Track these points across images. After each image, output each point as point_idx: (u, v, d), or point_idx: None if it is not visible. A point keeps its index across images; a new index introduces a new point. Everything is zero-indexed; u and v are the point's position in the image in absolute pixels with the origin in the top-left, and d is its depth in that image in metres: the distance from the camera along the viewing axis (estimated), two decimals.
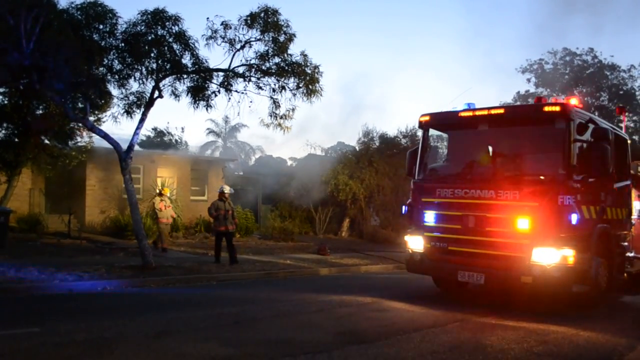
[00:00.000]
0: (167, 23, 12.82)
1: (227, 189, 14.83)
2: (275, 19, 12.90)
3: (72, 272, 11.45)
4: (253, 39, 13.13)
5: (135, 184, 18.57)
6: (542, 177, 8.81)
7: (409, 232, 10.36)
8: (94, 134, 15.20)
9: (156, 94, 13.21)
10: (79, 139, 19.08)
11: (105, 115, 16.54)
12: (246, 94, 13.66)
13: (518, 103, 30.97)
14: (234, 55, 13.22)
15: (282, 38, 13.02)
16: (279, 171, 31.24)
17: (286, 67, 13.27)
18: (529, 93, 32.37)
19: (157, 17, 12.72)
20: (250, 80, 13.56)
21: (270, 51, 13.17)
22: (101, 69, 13.33)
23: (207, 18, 13.03)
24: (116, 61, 13.18)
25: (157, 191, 18.44)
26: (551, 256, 8.42)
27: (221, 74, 13.63)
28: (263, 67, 13.38)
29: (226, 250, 14.40)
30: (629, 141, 11.04)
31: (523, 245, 8.64)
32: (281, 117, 13.89)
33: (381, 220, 27.14)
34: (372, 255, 18.27)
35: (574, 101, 9.31)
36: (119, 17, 12.85)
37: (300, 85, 13.40)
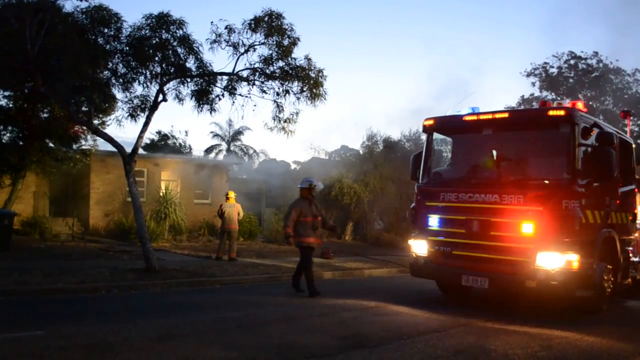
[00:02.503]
0: (172, 27, 12.84)
1: (320, 184, 11.19)
2: (279, 23, 12.92)
3: (76, 275, 11.46)
4: (257, 43, 13.16)
5: (139, 187, 18.59)
6: (546, 182, 8.79)
7: (413, 236, 10.35)
8: (98, 138, 15.25)
9: (160, 97, 13.23)
10: (83, 142, 19.19)
11: (110, 119, 16.68)
12: (250, 97, 13.69)
13: (522, 107, 30.90)
14: (238, 59, 13.25)
15: (286, 42, 13.03)
16: (282, 174, 31.26)
17: (290, 71, 13.28)
18: (533, 97, 32.30)
19: (162, 21, 12.74)
20: (254, 84, 13.58)
21: (274, 55, 13.18)
22: (106, 72, 13.37)
23: (212, 22, 13.06)
24: (121, 65, 13.21)
25: (225, 196, 16.97)
26: (555, 261, 8.40)
27: (225, 77, 13.65)
28: (267, 71, 13.39)
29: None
30: (634, 145, 11.01)
31: (527, 250, 8.62)
32: (285, 121, 13.91)
33: (385, 224, 27.12)
34: (376, 259, 18.22)
35: (578, 105, 9.29)
36: (124, 21, 12.89)
37: (304, 89, 13.41)
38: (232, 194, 16.84)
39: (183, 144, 34.87)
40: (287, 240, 10.83)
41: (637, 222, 10.82)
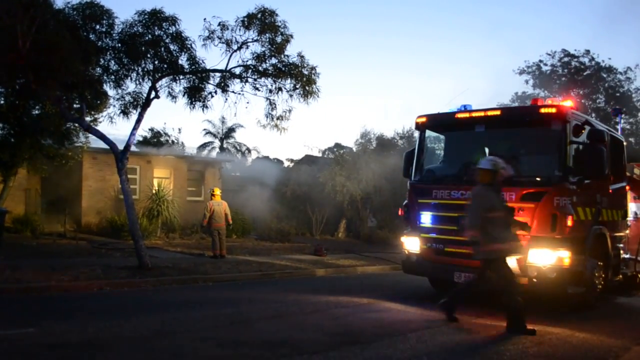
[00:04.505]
0: (164, 24, 12.80)
1: (510, 168, 7.75)
2: (272, 20, 12.90)
3: (68, 272, 11.41)
4: (250, 40, 13.13)
5: (132, 184, 18.55)
6: (538, 179, 8.84)
7: (406, 234, 10.37)
8: (90, 135, 15.17)
9: (153, 94, 13.19)
10: (75, 139, 19.05)
11: (102, 116, 16.59)
12: (243, 94, 13.67)
13: (515, 104, 31.01)
14: (230, 56, 13.22)
15: (279, 39, 13.01)
16: (275, 172, 31.22)
17: (283, 68, 13.26)
18: (526, 94, 32.42)
19: (154, 17, 12.69)
20: (247, 81, 13.56)
21: (267, 52, 13.17)
22: (97, 69, 13.30)
23: (204, 19, 13.03)
24: (113, 62, 13.14)
25: (211, 193, 16.69)
26: (547, 257, 8.44)
27: (218, 74, 13.64)
28: (260, 68, 13.38)
29: None
30: (624, 143, 11.09)
31: None
32: (277, 118, 13.90)
33: (378, 222, 27.16)
34: (369, 256, 18.27)
35: (570, 103, 9.34)
36: (116, 18, 12.83)
37: (297, 87, 13.40)
38: (217, 191, 16.61)
39: (176, 141, 34.71)
40: (473, 247, 7.52)
41: (628, 219, 10.90)
